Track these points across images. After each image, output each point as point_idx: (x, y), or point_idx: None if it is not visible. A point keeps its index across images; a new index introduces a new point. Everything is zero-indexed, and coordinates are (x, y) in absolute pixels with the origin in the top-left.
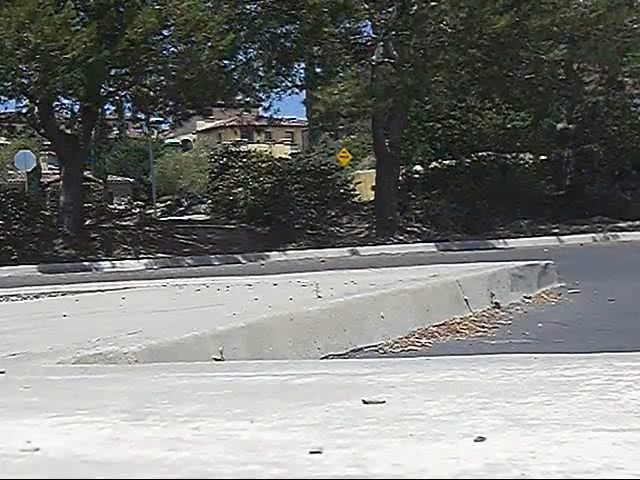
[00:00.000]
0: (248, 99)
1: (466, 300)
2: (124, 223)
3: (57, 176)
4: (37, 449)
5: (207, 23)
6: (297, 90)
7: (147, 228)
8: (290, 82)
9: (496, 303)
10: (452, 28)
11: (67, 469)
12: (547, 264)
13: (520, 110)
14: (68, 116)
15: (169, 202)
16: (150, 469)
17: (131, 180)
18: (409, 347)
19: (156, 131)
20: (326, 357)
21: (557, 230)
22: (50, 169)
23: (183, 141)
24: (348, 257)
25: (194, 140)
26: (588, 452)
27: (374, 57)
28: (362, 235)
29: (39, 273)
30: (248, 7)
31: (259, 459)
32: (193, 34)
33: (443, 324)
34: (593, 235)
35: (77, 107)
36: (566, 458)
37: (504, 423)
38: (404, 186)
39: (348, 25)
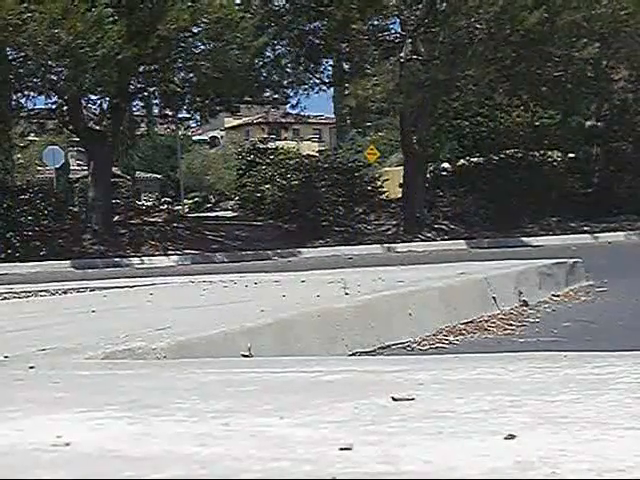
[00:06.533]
0: (276, 96)
1: (494, 298)
2: (152, 219)
3: (85, 172)
4: (68, 444)
5: (239, 23)
6: (325, 87)
7: (175, 224)
8: (318, 79)
9: (524, 301)
10: (481, 24)
11: (98, 464)
12: (575, 262)
13: (548, 108)
14: (97, 112)
15: (197, 199)
16: (181, 464)
17: (159, 177)
18: (437, 345)
19: (183, 128)
20: (354, 354)
21: (585, 228)
22: (78, 165)
23: (211, 138)
24: (375, 254)
25: (222, 137)
26: (619, 450)
27: (402, 54)
28: (390, 232)
29: (71, 269)
30: (277, 4)
31: (290, 455)
32: (224, 33)
33: (471, 322)
34: (622, 233)
35: (106, 104)
36: (597, 456)
37: (534, 421)
38: (432, 183)
39: (376, 22)
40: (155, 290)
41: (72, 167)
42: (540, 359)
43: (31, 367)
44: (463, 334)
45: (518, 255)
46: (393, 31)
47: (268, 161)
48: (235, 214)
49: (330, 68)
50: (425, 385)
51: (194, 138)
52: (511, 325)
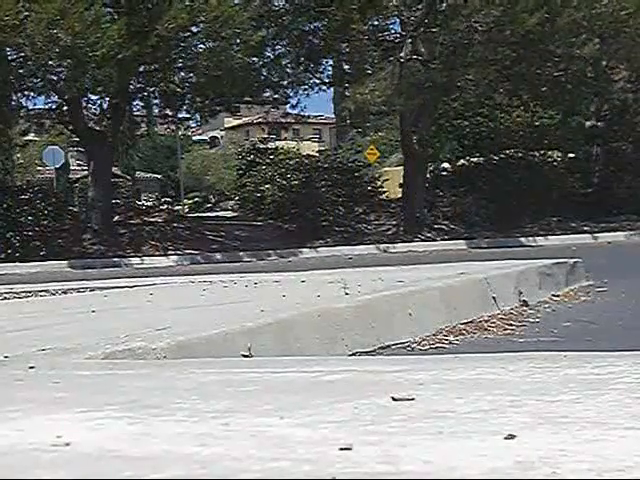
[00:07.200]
0: (276, 96)
1: (494, 298)
2: (152, 219)
3: (85, 172)
4: (68, 444)
5: (236, 19)
6: (325, 87)
7: (175, 224)
8: (318, 79)
9: (524, 301)
10: (482, 26)
11: (98, 464)
12: (575, 262)
13: (548, 108)
14: (97, 112)
15: (197, 199)
16: (181, 464)
17: (159, 177)
18: (437, 345)
19: (183, 128)
20: (354, 354)
21: (585, 228)
22: (78, 165)
23: (211, 138)
24: (375, 254)
25: (222, 137)
26: (619, 450)
27: (402, 54)
28: (390, 232)
29: (69, 269)
30: (277, 4)
31: (290, 455)
32: (222, 30)
33: (471, 322)
34: (622, 233)
35: (106, 104)
36: (597, 456)
37: (534, 421)
38: (432, 183)
39: (376, 22)
40: (155, 290)
41: (72, 167)
42: (540, 359)
43: (31, 367)
44: (463, 334)
45: (518, 255)
46: (393, 31)
47: (268, 161)
48: (235, 214)
49: (330, 68)
50: (425, 385)
51: (194, 138)
52: (511, 325)
